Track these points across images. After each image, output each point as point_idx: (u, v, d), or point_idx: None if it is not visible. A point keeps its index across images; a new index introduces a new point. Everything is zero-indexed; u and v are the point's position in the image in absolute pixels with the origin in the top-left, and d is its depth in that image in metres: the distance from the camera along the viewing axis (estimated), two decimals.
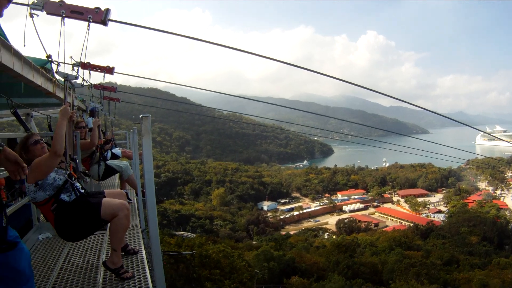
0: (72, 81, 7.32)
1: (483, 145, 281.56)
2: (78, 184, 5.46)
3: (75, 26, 6.19)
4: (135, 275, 5.47)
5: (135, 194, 12.48)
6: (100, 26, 5.79)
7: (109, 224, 5.31)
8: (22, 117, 8.79)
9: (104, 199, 5.31)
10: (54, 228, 5.17)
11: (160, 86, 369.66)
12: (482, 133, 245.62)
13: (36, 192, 5.02)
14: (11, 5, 5.33)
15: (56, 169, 5.22)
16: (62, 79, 7.09)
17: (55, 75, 7.45)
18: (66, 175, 5.26)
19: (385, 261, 49.63)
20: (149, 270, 5.69)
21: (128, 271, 5.49)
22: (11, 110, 6.80)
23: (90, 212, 5.13)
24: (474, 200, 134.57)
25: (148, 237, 6.59)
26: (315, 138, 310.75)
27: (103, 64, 9.16)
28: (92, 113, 11.32)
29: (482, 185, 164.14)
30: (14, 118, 7.69)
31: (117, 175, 10.80)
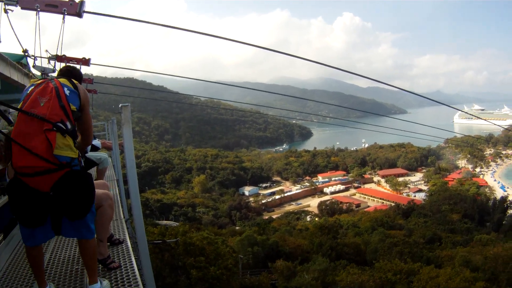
0: (49, 74, 7.28)
1: (462, 123, 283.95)
2: None
3: (49, 19, 6.14)
4: (122, 264, 5.49)
5: (116, 185, 12.47)
6: (75, 18, 5.76)
7: None
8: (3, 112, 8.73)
9: None
10: None
11: (137, 75, 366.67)
12: (460, 111, 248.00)
13: None
14: None
15: None
16: (39, 73, 7.04)
17: (32, 69, 7.40)
18: None
19: (368, 241, 49.98)
20: (135, 259, 5.71)
21: (115, 261, 5.51)
22: None
23: None
24: (454, 178, 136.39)
25: (132, 226, 6.60)
26: (294, 121, 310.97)
27: (79, 56, 9.11)
28: None
29: (462, 163, 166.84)
30: None
31: (95, 167, 10.78)
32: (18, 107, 3.98)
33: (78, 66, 9.38)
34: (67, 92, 4.19)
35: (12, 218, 7.34)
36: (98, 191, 5.36)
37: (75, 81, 4.46)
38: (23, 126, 3.84)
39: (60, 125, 3.87)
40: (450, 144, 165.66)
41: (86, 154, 10.18)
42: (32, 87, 4.19)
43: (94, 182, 5.94)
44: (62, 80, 4.34)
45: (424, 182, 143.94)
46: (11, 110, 9.87)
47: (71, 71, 5.08)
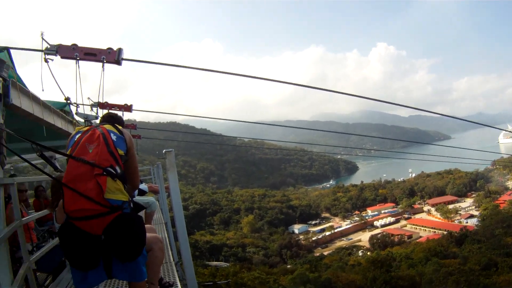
0: (92, 121, 7.45)
1: (507, 143, 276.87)
2: None
3: (90, 66, 6.33)
4: None
5: (165, 228, 12.56)
6: (114, 65, 5.92)
7: None
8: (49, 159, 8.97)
9: None
10: None
11: (179, 119, 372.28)
12: (504, 131, 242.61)
13: None
14: (25, 51, 5.46)
15: None
16: (82, 120, 7.21)
17: (75, 116, 7.58)
18: None
19: (423, 272, 49.06)
20: None
21: None
22: (38, 153, 6.90)
23: None
24: (505, 200, 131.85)
25: (182, 269, 6.61)
26: (339, 157, 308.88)
27: (121, 102, 9.31)
28: None
29: (511, 184, 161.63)
30: (39, 161, 7.80)
31: (143, 211, 10.88)
32: (68, 153, 4.09)
33: (120, 113, 9.60)
34: (113, 137, 4.28)
35: (61, 261, 7.46)
36: (148, 234, 5.42)
37: (120, 127, 4.57)
38: (74, 171, 3.92)
39: (110, 169, 3.96)
40: (497, 166, 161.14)
41: (134, 198, 10.32)
42: (79, 134, 4.30)
43: None
44: (108, 126, 4.45)
45: (475, 207, 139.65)
46: (57, 156, 10.14)
47: (113, 117, 5.25)
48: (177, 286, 6.40)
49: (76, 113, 7.25)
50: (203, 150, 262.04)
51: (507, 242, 70.96)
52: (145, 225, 6.27)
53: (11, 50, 5.42)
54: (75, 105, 7.03)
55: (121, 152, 4.25)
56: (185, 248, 5.11)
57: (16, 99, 4.81)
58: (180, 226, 5.13)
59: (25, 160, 5.18)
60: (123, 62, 5.88)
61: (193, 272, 5.16)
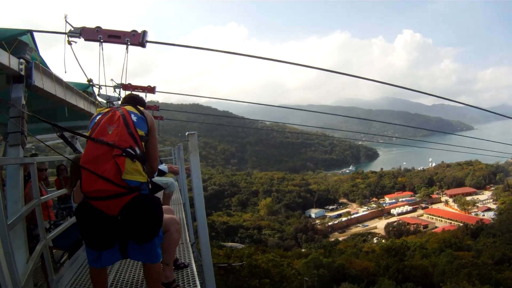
0: (114, 102, 7.53)
1: None
2: None
3: (114, 49, 6.39)
4: None
5: (183, 209, 12.66)
6: (137, 48, 5.98)
7: None
8: (69, 140, 9.06)
9: None
10: None
11: (202, 101, 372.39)
12: None
13: None
14: (49, 34, 5.56)
15: None
16: (105, 101, 7.31)
17: (98, 98, 7.68)
18: None
19: (436, 263, 48.84)
20: (199, 283, 5.77)
21: (179, 285, 5.59)
22: (58, 134, 7.01)
23: None
24: None
25: (198, 250, 6.69)
26: (360, 143, 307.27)
27: (144, 84, 9.39)
28: None
29: None
30: (59, 140, 7.90)
31: (162, 191, 10.95)
32: (87, 134, 4.18)
33: (143, 94, 9.67)
34: (134, 118, 4.30)
35: (78, 239, 7.59)
36: (165, 215, 5.48)
37: (141, 108, 4.61)
38: (93, 152, 3.96)
39: (129, 150, 4.00)
40: None
41: (153, 179, 10.40)
42: (100, 115, 4.34)
43: None
44: (128, 107, 4.49)
45: (493, 201, 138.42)
46: (77, 136, 10.27)
47: (134, 98, 5.23)
48: (192, 267, 6.42)
49: (99, 95, 7.33)
50: (224, 132, 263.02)
51: None
52: (163, 206, 6.37)
53: (35, 33, 5.50)
54: (98, 86, 7.11)
55: (141, 132, 4.28)
56: (203, 231, 5.15)
57: (39, 80, 4.90)
58: (199, 208, 5.17)
59: (42, 142, 5.27)
60: (147, 44, 5.93)
61: (209, 254, 5.19)
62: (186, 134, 5.22)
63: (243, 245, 66.24)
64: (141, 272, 6.42)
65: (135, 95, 5.41)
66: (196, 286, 5.59)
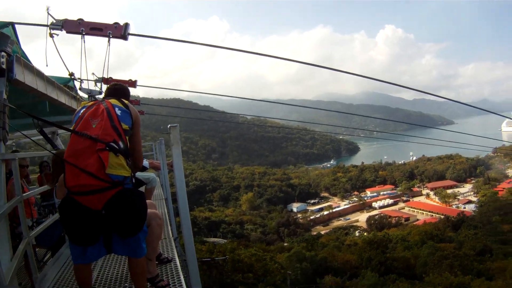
0: (96, 96, 7.45)
1: (510, 131, 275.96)
2: None
3: (95, 42, 6.31)
4: (170, 283, 5.53)
5: (165, 204, 12.61)
6: (119, 41, 5.90)
7: None
8: (48, 135, 8.93)
9: None
10: None
11: (183, 96, 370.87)
12: (507, 119, 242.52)
13: None
14: (31, 27, 5.45)
15: None
16: (86, 96, 7.22)
17: (79, 92, 7.58)
18: None
19: (418, 255, 49.32)
20: (183, 277, 5.74)
21: (163, 279, 5.56)
22: (37, 129, 6.90)
23: None
24: (504, 188, 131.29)
25: (181, 245, 6.65)
26: (341, 137, 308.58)
27: (125, 78, 9.32)
28: None
29: (511, 172, 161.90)
30: (40, 137, 7.79)
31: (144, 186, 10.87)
32: (71, 128, 4.10)
33: None
34: (118, 112, 4.27)
35: (61, 236, 7.49)
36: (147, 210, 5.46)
37: (126, 101, 4.55)
38: (76, 146, 3.92)
39: (113, 144, 3.94)
40: (498, 153, 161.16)
41: (135, 174, 10.33)
42: (84, 109, 4.29)
43: None
44: (113, 100, 4.44)
45: (474, 193, 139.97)
46: (59, 131, 10.13)
47: (118, 89, 5.12)
48: (175, 262, 6.44)
49: (80, 89, 7.24)
50: (205, 127, 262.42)
51: (503, 230, 71.04)
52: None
53: (16, 26, 5.41)
54: (79, 80, 7.03)
55: (125, 126, 4.23)
56: (186, 223, 5.12)
57: (20, 74, 4.81)
58: (182, 201, 5.14)
59: (26, 136, 5.19)
60: (130, 37, 5.86)
61: (193, 248, 5.17)
62: (168, 126, 5.18)
63: (225, 240, 66.36)
64: (125, 267, 6.40)
65: (119, 85, 5.28)
66: (180, 280, 5.61)
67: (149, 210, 5.36)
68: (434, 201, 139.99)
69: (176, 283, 5.54)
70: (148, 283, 5.40)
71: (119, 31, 5.69)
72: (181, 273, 5.87)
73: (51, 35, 5.45)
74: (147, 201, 6.25)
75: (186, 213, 5.20)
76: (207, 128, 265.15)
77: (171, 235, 8.45)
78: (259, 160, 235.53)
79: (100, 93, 7.53)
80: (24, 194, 5.41)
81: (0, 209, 4.31)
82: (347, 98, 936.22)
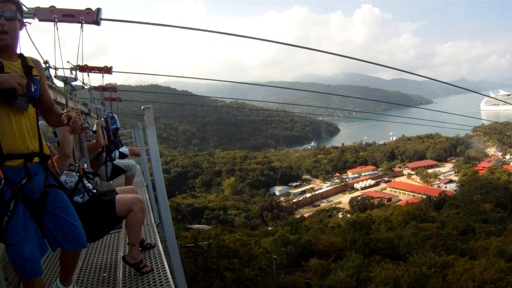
0: (72, 83, 7.32)
1: (488, 110, 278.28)
2: (89, 184, 5.49)
3: (69, 30, 6.18)
4: (154, 268, 5.51)
5: (146, 191, 12.54)
6: (94, 28, 5.78)
7: (124, 220, 5.37)
8: None
9: (117, 196, 5.33)
10: None
11: (160, 81, 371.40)
12: (486, 98, 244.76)
13: None
14: None
15: (66, 171, 5.23)
16: (62, 84, 7.08)
17: (54, 80, 7.43)
18: (77, 177, 5.28)
19: (401, 235, 49.76)
20: (167, 262, 5.72)
21: (147, 265, 5.53)
22: None
23: (105, 210, 5.15)
24: (484, 167, 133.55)
25: (163, 230, 6.63)
26: (320, 118, 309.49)
27: (100, 65, 9.18)
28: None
29: (491, 151, 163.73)
30: None
31: (123, 174, 10.77)
32: None
33: (100, 75, 9.47)
34: None
35: None
36: (128, 195, 5.39)
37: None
38: None
39: None
40: (478, 132, 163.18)
41: (114, 162, 10.22)
42: None
43: (123, 188, 5.97)
44: None
45: (455, 173, 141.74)
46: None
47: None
48: (158, 247, 6.47)
49: (55, 76, 7.10)
50: (184, 113, 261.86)
51: (485, 209, 71.91)
52: (126, 187, 6.23)
53: None
54: (54, 68, 6.88)
55: None
56: (164, 208, 5.08)
57: None
58: (159, 183, 5.08)
59: None
60: (102, 22, 5.74)
61: (173, 231, 5.14)
62: (142, 108, 5.09)
63: (209, 227, 66.41)
64: (107, 257, 6.41)
65: None
66: (163, 265, 5.64)
67: (130, 195, 5.35)
68: (416, 181, 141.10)
69: (160, 268, 5.53)
70: (133, 269, 5.43)
71: (92, 17, 5.56)
72: (164, 258, 5.88)
73: (24, 24, 5.32)
74: (128, 186, 6.20)
75: (164, 196, 5.16)
76: (186, 113, 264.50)
77: (153, 221, 8.44)
78: (240, 144, 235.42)
79: (75, 79, 7.38)
80: None
81: None
82: (326, 79, 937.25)
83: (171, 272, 5.46)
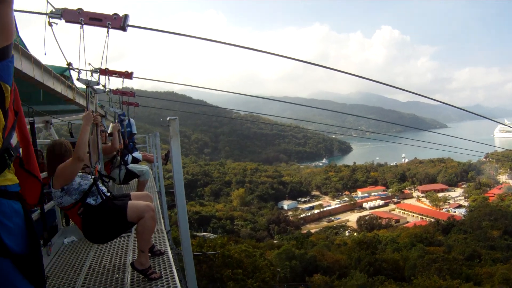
0: (94, 87, 7.43)
1: (502, 137, 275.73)
2: (103, 187, 5.56)
3: (91, 32, 6.29)
4: (163, 275, 5.54)
5: (157, 197, 12.59)
6: (115, 32, 5.87)
7: (135, 226, 5.41)
8: (41, 125, 8.85)
9: (130, 202, 5.41)
10: (82, 231, 5.27)
11: (177, 89, 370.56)
12: (500, 125, 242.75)
13: (62, 197, 5.12)
14: (29, 14, 5.40)
15: (81, 174, 5.32)
16: (83, 86, 7.17)
17: (75, 82, 7.52)
18: (92, 179, 5.36)
19: (407, 257, 49.43)
20: (176, 270, 5.76)
21: (155, 271, 5.57)
22: (30, 120, 6.87)
23: (116, 214, 5.23)
24: (494, 194, 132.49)
25: (173, 238, 6.67)
26: (333, 136, 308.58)
27: (119, 69, 9.27)
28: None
29: (502, 178, 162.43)
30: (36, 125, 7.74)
31: (136, 179, 10.83)
32: None
33: (121, 79, 9.57)
34: None
35: (52, 225, 7.48)
36: (140, 202, 5.46)
37: None
38: None
39: None
40: (490, 159, 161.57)
41: (128, 166, 10.30)
42: None
43: (137, 194, 6.05)
44: None
45: (464, 198, 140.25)
46: (53, 121, 10.04)
47: None
48: (168, 255, 6.49)
49: (78, 79, 7.19)
50: (198, 121, 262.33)
51: (493, 235, 71.40)
52: (141, 192, 6.31)
53: (15, 12, 5.35)
54: (77, 70, 6.98)
55: None
56: (182, 215, 5.13)
57: (18, 62, 4.77)
58: (179, 193, 5.14)
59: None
60: (128, 28, 5.83)
61: (189, 241, 5.17)
62: (168, 119, 5.18)
63: (215, 235, 66.27)
64: (117, 258, 6.45)
65: None
66: (172, 273, 5.67)
67: (142, 203, 5.42)
68: (425, 204, 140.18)
69: (168, 276, 5.57)
70: (141, 275, 5.45)
71: (119, 22, 5.63)
72: (173, 266, 5.93)
73: (50, 24, 5.40)
74: (143, 193, 6.29)
75: (183, 205, 5.20)
76: (201, 122, 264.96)
77: (163, 228, 8.48)
78: (251, 156, 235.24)
79: (98, 83, 7.47)
80: None
81: None
82: (341, 98, 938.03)
83: (180, 281, 5.51)
